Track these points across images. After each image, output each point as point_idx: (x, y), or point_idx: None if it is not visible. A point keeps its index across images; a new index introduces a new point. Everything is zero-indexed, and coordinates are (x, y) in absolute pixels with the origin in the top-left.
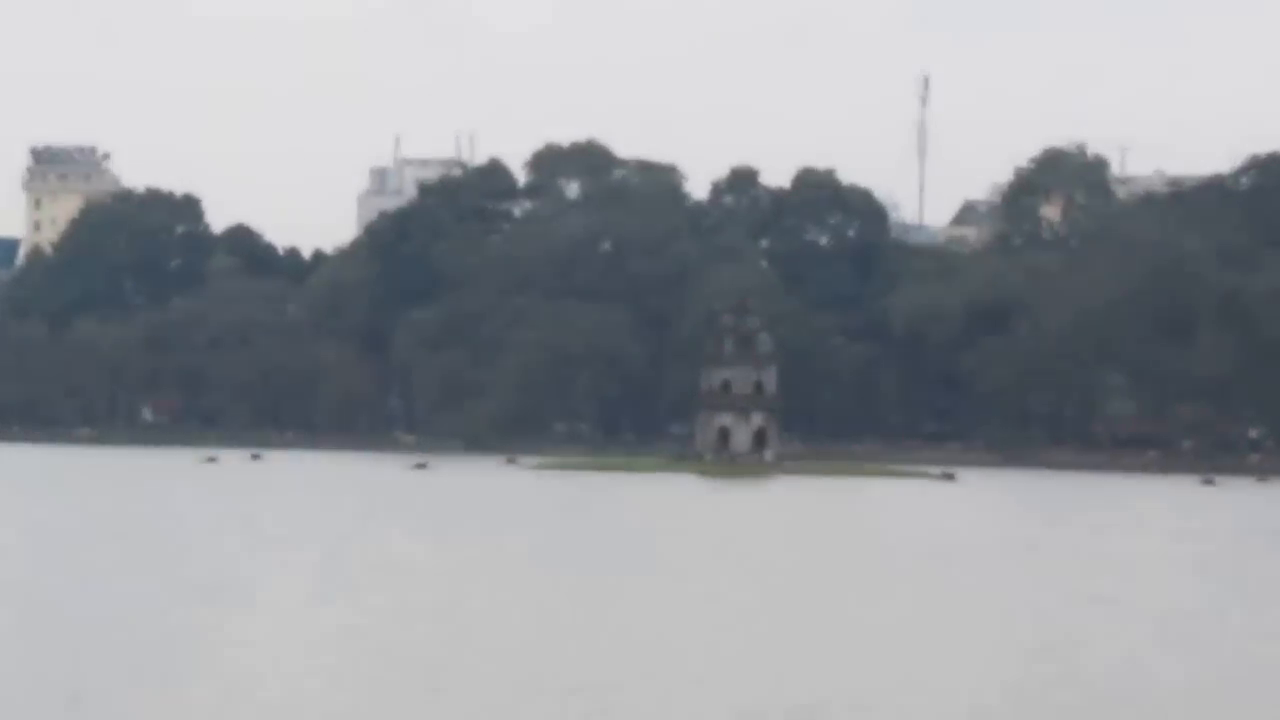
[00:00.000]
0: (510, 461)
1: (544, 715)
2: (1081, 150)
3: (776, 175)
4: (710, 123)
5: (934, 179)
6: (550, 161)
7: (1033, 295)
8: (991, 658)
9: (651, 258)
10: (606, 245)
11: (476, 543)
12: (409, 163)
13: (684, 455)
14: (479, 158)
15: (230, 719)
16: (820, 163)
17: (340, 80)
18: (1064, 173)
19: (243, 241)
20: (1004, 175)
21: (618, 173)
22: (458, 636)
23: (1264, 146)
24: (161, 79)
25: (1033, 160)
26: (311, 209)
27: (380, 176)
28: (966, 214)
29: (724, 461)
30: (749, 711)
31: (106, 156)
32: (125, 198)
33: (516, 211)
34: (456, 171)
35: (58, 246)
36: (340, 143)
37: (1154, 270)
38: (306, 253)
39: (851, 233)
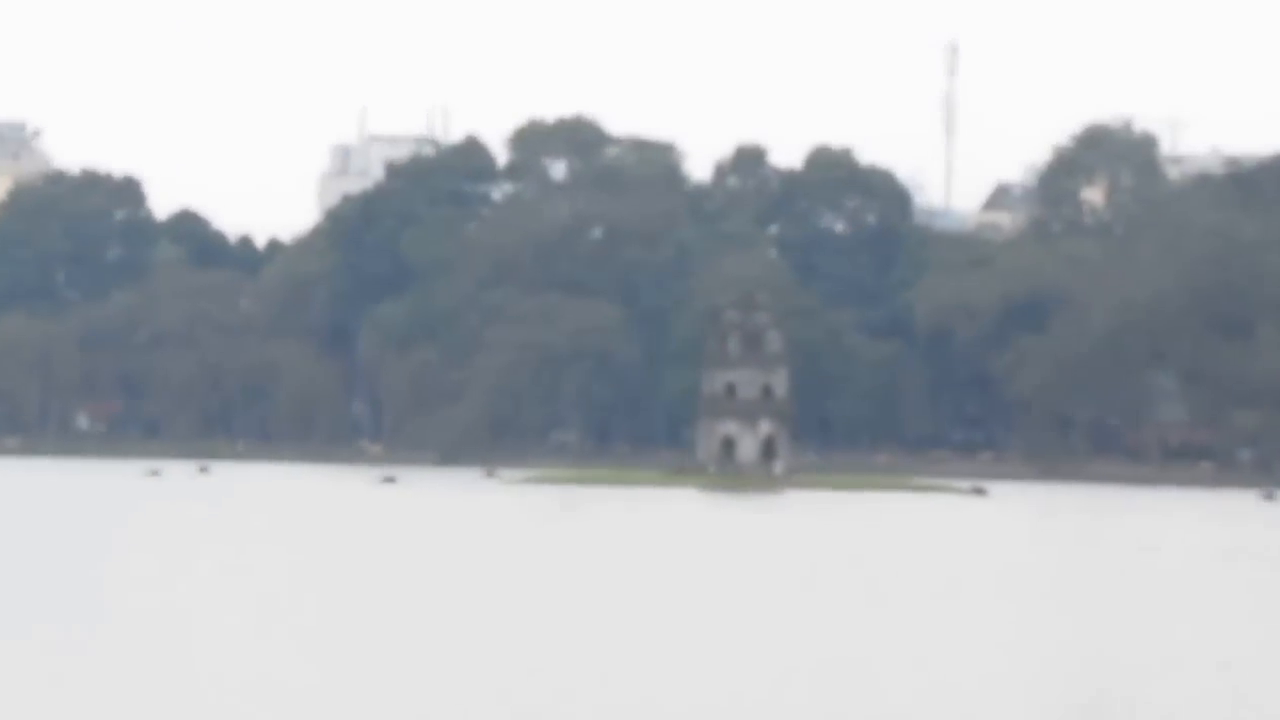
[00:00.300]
0: (489, 475)
1: None
2: (1128, 126)
3: (787, 154)
4: (712, 95)
5: (963, 158)
6: (533, 139)
7: (1073, 288)
8: (1028, 714)
9: (647, 246)
10: (596, 233)
11: (447, 574)
12: (376, 140)
13: (683, 468)
14: (453, 135)
15: None
16: (836, 140)
17: (298, 48)
18: (1108, 151)
19: (189, 228)
20: (1041, 154)
21: (609, 151)
22: (422, 698)
23: None
24: (98, 47)
25: (1074, 137)
26: (266, 192)
27: (343, 156)
28: (999, 197)
29: (728, 475)
30: None
31: (37, 134)
32: (57, 180)
33: (496, 195)
34: (429, 150)
35: None
36: (298, 118)
37: (1209, 259)
38: (260, 241)
39: (871, 218)
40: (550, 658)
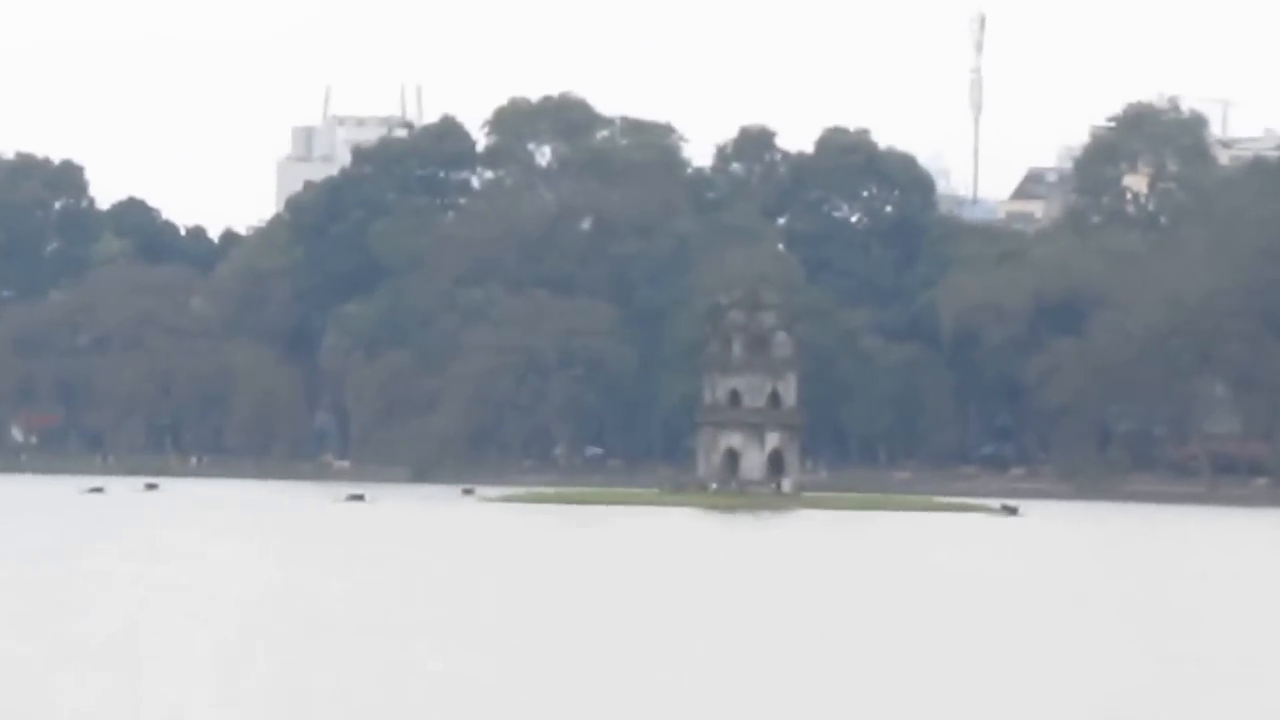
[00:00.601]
0: (467, 493)
1: None
2: (1174, 106)
3: (797, 137)
4: (714, 72)
5: (992, 141)
6: (516, 120)
7: (1114, 285)
8: None
9: (642, 239)
10: (586, 224)
11: (418, 605)
12: (341, 122)
13: (682, 485)
14: (428, 116)
15: None
16: (851, 121)
17: (256, 19)
18: (1153, 133)
19: (135, 219)
20: (1078, 137)
21: (600, 134)
22: None
23: None
24: (32, 19)
25: (1114, 118)
26: (220, 179)
27: (306, 138)
28: (1032, 185)
29: (732, 492)
30: None
31: None
32: None
33: (474, 182)
34: (400, 133)
35: None
36: (256, 97)
37: (1264, 253)
38: (214, 233)
39: (889, 208)
40: (532, 703)
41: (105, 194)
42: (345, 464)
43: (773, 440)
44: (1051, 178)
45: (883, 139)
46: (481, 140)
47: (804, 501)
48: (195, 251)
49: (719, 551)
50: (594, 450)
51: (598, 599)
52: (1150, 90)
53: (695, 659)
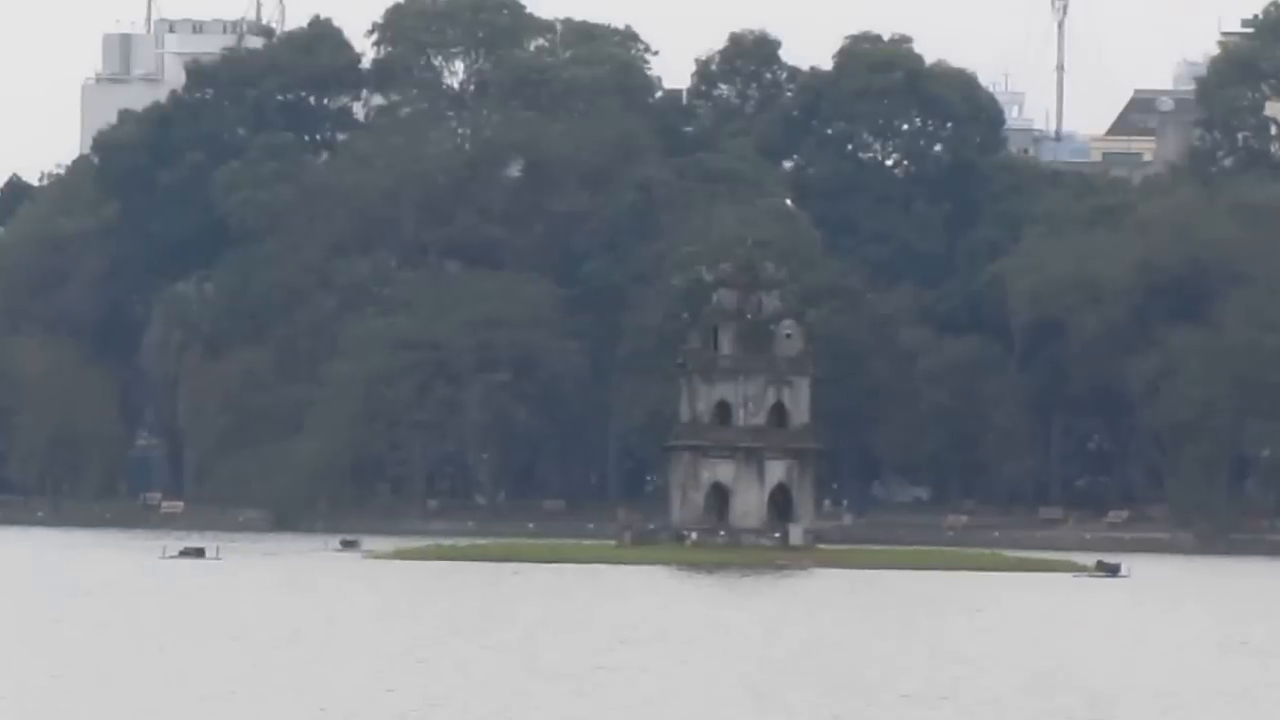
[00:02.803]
0: (348, 546)
1: None
2: None
3: (809, 47)
4: None
5: (1082, 55)
6: (416, 24)
7: (1253, 255)
8: None
9: (593, 190)
10: (514, 169)
11: None
12: (171, 27)
13: (649, 535)
14: (292, 18)
15: None
16: (884, 26)
17: None
18: None
19: None
20: (1202, 48)
21: (535, 44)
22: None
23: None
24: None
25: (1252, 23)
26: (3, 107)
27: (122, 51)
28: (1138, 115)
29: (719, 545)
30: None
31: None
32: None
33: (358, 111)
34: (253, 42)
35: None
36: None
37: None
38: None
39: (939, 147)
40: None
41: None
42: (177, 505)
43: (777, 472)
44: (1165, 105)
45: (929, 50)
46: (368, 52)
47: (820, 558)
48: None
49: (701, 639)
50: (526, 486)
51: None
52: None
53: None
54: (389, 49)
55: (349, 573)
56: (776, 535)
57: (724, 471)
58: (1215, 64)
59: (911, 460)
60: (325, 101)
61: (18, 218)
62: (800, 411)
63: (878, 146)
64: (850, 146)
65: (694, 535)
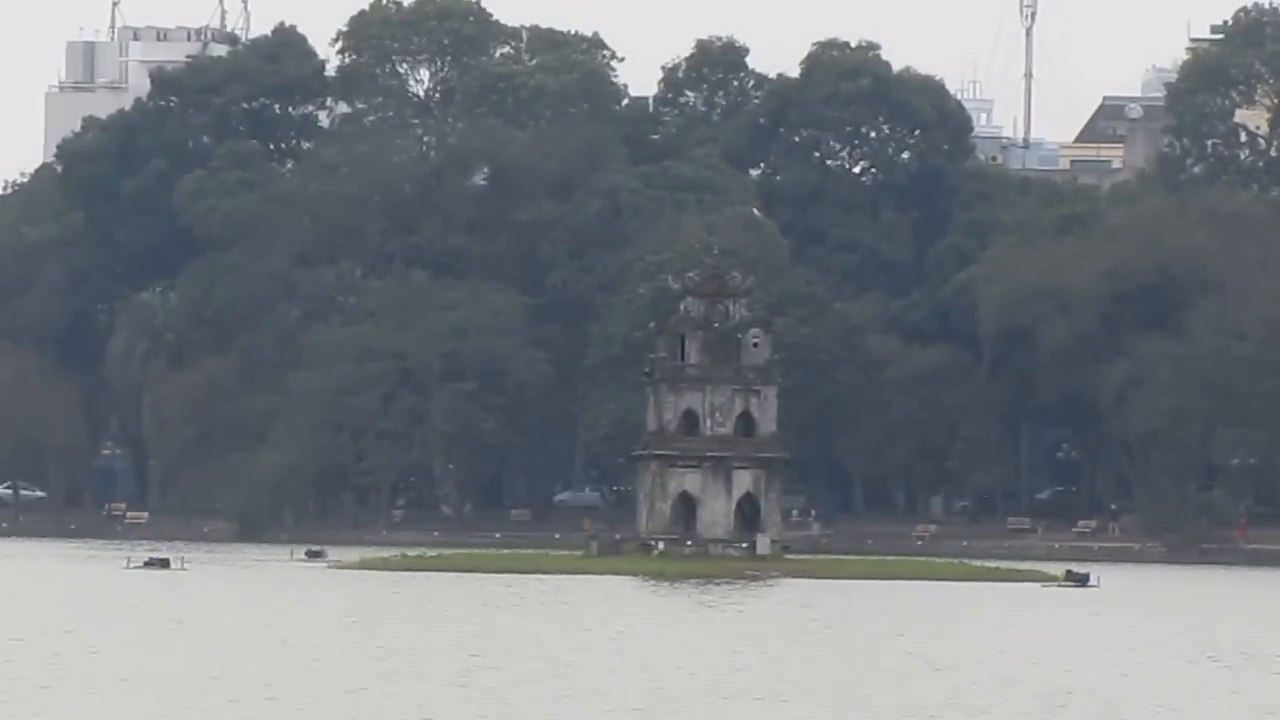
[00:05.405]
0: (313, 556)
1: None
2: None
3: (776, 55)
4: None
5: (1051, 62)
6: (381, 32)
7: (1222, 264)
8: None
9: (558, 198)
10: (479, 178)
11: None
12: (136, 35)
13: (615, 545)
14: (257, 26)
15: None
16: (851, 33)
17: None
18: (1277, 50)
19: None
20: (1172, 54)
21: (500, 51)
22: None
23: None
24: None
25: (1223, 28)
26: None
27: (86, 59)
28: (1107, 122)
29: (686, 556)
30: None
31: None
32: None
33: (323, 119)
34: (218, 50)
35: None
36: (17, 2)
37: None
38: None
39: (906, 154)
40: None
41: None
42: (142, 516)
43: (744, 482)
44: (1134, 112)
45: (897, 57)
46: (333, 60)
47: (788, 567)
48: None
49: (666, 651)
50: (493, 496)
51: None
52: None
53: None
54: (354, 57)
55: (314, 583)
56: (744, 545)
57: (691, 481)
58: (1184, 71)
59: (879, 470)
60: (290, 110)
61: None
62: (768, 421)
63: (845, 154)
64: (818, 154)
65: (661, 545)
